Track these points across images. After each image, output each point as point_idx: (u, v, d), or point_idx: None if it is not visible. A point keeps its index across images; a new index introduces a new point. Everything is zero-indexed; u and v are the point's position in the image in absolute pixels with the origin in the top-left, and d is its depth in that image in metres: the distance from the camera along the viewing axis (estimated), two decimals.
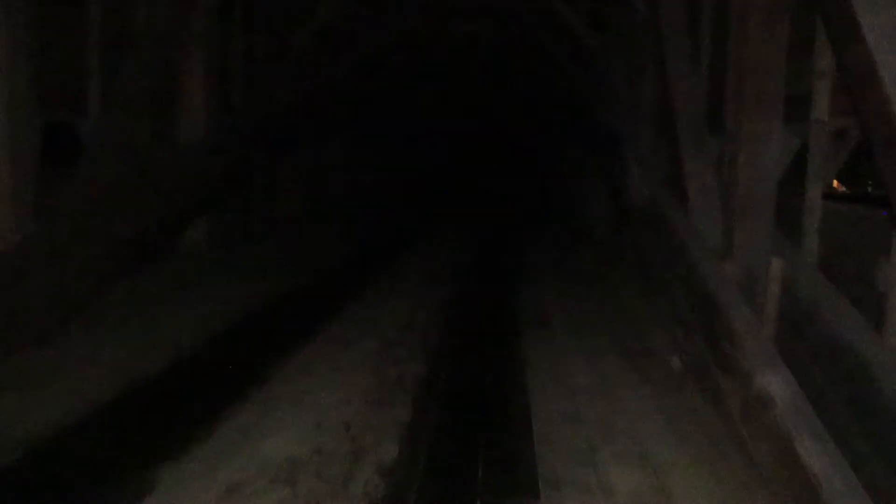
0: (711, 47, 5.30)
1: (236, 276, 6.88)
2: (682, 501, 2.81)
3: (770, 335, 3.86)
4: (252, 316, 5.62)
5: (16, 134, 4.97)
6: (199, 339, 4.88)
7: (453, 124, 16.95)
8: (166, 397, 3.93)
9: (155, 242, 6.43)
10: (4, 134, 4.89)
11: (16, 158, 4.98)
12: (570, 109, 9.54)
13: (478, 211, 15.44)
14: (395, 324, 5.42)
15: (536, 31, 8.75)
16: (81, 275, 5.23)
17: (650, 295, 5.34)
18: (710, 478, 3.01)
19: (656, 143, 5.94)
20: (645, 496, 2.84)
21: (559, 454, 3.20)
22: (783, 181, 4.31)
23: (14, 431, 3.31)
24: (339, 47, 9.71)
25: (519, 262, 8.46)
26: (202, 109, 7.20)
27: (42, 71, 5.40)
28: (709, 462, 3.14)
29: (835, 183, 5.23)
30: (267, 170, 8.95)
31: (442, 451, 3.30)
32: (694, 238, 4.49)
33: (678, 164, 5.09)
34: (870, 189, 5.44)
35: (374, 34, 9.64)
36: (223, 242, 7.86)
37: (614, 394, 3.97)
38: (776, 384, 3.08)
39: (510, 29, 9.02)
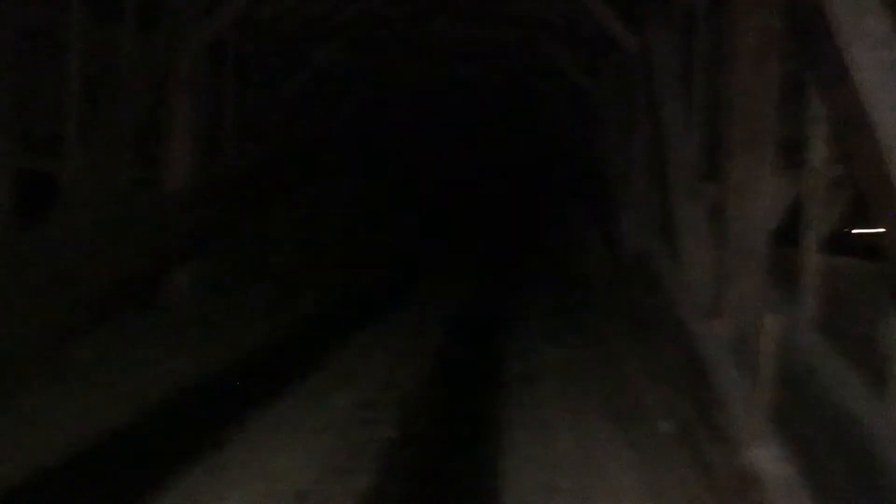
0: (706, 92, 5.12)
1: (215, 326, 6.64)
2: None
3: (764, 399, 3.56)
4: (223, 371, 5.35)
5: None
6: (160, 395, 4.62)
7: (448, 167, 16.87)
8: (111, 461, 3.66)
9: (132, 291, 6.23)
10: None
11: None
12: (566, 155, 9.38)
13: (472, 258, 15.20)
14: (374, 380, 5.16)
15: (531, 75, 8.64)
16: (47, 324, 5.03)
17: (642, 351, 5.06)
18: None
19: (649, 191, 5.72)
20: None
21: None
22: (780, 232, 4.07)
23: None
24: (334, 93, 9.65)
25: (512, 313, 8.19)
26: (188, 156, 7.06)
27: (19, 118, 5.30)
28: None
29: None
30: (257, 216, 8.78)
31: None
32: (683, 293, 4.24)
33: (670, 214, 4.87)
34: None
35: (369, 80, 9.58)
36: (210, 290, 7.67)
37: (597, 461, 3.67)
38: (766, 459, 2.81)
39: (504, 73, 8.92)
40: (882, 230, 2.64)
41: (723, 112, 4.26)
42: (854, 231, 4.65)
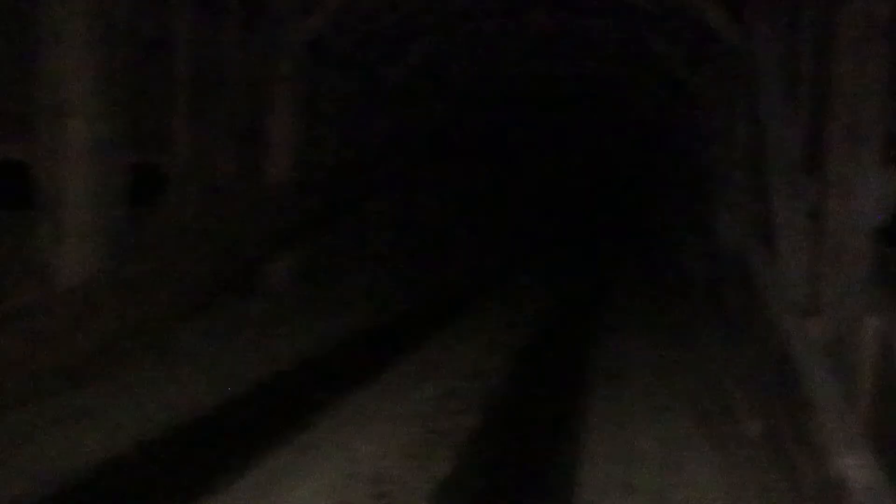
0: (810, 85, 4.87)
1: (311, 314, 6.89)
2: None
3: (858, 404, 3.40)
4: (316, 357, 5.55)
5: (98, 175, 5.15)
6: (255, 378, 4.85)
7: (546, 161, 16.70)
8: (207, 437, 3.88)
9: (234, 279, 6.54)
10: (88, 175, 5.07)
11: (98, 198, 5.16)
12: (665, 148, 9.13)
13: (568, 252, 15.04)
14: (460, 371, 5.22)
15: (632, 67, 8.46)
16: (153, 310, 5.34)
17: (733, 351, 4.89)
18: None
19: (747, 187, 5.51)
20: None
21: None
22: (884, 230, 3.85)
23: (60, 463, 3.35)
24: (431, 87, 9.75)
25: (604, 308, 8.07)
26: (289, 149, 7.33)
27: (132, 113, 5.64)
28: None
29: None
30: (355, 208, 9.01)
31: None
32: (778, 291, 4.07)
33: (768, 210, 4.68)
34: None
35: (467, 73, 9.62)
36: (309, 279, 7.94)
37: (679, 461, 3.59)
38: (854, 467, 2.67)
39: (603, 64, 8.77)
40: None
41: (824, 104, 4.06)
42: None
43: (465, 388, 4.82)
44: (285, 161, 7.31)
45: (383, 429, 3.98)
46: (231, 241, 6.36)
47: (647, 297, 8.64)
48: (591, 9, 7.98)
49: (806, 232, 4.33)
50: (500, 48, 9.06)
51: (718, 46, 6.40)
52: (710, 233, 5.99)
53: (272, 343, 5.75)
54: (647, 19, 7.63)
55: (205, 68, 6.35)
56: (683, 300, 7.52)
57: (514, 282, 10.60)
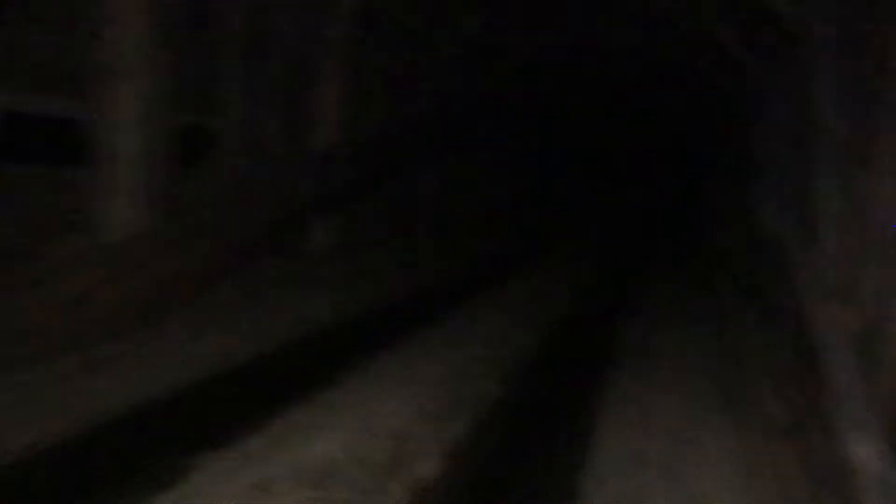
0: (866, 71, 4.72)
1: (352, 278, 6.99)
2: None
3: (881, 394, 3.33)
4: (351, 320, 5.65)
5: (148, 135, 5.31)
6: (289, 336, 4.96)
7: (600, 139, 16.49)
8: (235, 391, 4.01)
9: (278, 239, 6.69)
10: (138, 136, 5.23)
11: (146, 158, 5.33)
12: (720, 130, 8.94)
13: (615, 229, 14.91)
14: (486, 340, 5.26)
15: (689, 47, 8.28)
16: (193, 266, 5.50)
17: (765, 335, 4.81)
18: None
19: (794, 172, 5.38)
20: None
21: (606, 499, 2.91)
22: None
23: (94, 404, 3.52)
24: (485, 60, 9.70)
25: (641, 287, 8.01)
26: (335, 116, 7.42)
27: (184, 76, 5.78)
28: None
29: None
30: (402, 177, 9.07)
31: (483, 474, 3.11)
32: (814, 279, 3.99)
33: (812, 197, 4.57)
34: None
35: (520, 47, 9.54)
36: (352, 243, 8.05)
37: (697, 440, 3.58)
38: (867, 454, 2.63)
39: (662, 43, 8.59)
40: None
41: (877, 91, 3.94)
42: None
43: (489, 356, 4.85)
44: (331, 128, 7.41)
45: (406, 391, 4.05)
46: (274, 203, 6.49)
47: (685, 277, 8.53)
48: None
49: (849, 221, 4.22)
50: (557, 23, 8.93)
51: (776, 29, 6.22)
52: (752, 217, 5.88)
53: (307, 304, 5.87)
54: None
55: (255, 34, 6.46)
56: (720, 282, 7.41)
57: (556, 256, 10.54)
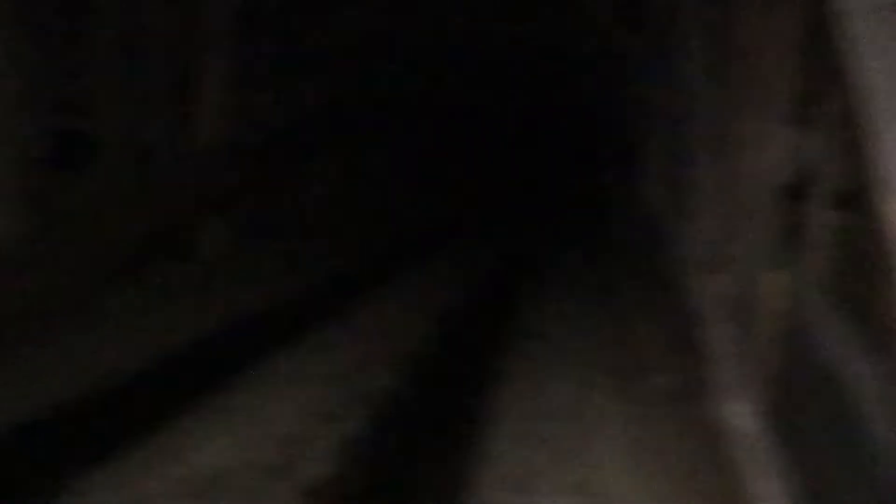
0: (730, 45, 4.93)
1: (246, 278, 6.81)
2: None
3: (753, 356, 3.50)
4: (244, 322, 5.50)
5: (19, 139, 5.02)
6: (178, 343, 4.79)
7: (486, 128, 16.70)
8: (122, 401, 3.84)
9: (166, 244, 6.45)
10: (7, 139, 4.93)
11: (19, 163, 5.04)
12: (604, 114, 9.20)
13: (506, 217, 15.20)
14: (384, 332, 5.24)
15: (564, 27, 8.45)
16: (78, 274, 5.25)
17: (650, 307, 5.00)
18: None
19: (669, 148, 5.59)
20: None
21: (497, 479, 2.94)
22: (791, 188, 3.94)
23: None
24: (373, 50, 9.62)
25: (533, 271, 8.17)
26: (221, 112, 7.20)
27: (55, 79, 5.48)
28: (662, 498, 2.83)
29: None
30: (293, 173, 8.92)
31: (376, 469, 3.09)
32: (689, 249, 4.15)
33: (684, 170, 4.76)
34: None
35: (402, 40, 9.51)
36: (245, 243, 7.87)
37: (586, 415, 3.68)
38: (741, 415, 2.77)
39: (538, 24, 8.73)
40: None
41: (737, 63, 4.12)
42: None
43: (386, 349, 4.83)
44: (218, 124, 7.18)
45: (300, 390, 3.99)
46: (161, 205, 6.26)
47: (576, 259, 8.77)
48: None
49: (719, 193, 4.41)
50: (431, 13, 8.94)
51: (648, 9, 6.44)
52: (636, 195, 6.08)
53: (196, 309, 5.68)
54: None
55: (131, 32, 6.18)
56: (611, 261, 7.65)
57: (450, 245, 10.61)
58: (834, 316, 3.33)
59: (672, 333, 4.05)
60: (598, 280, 7.08)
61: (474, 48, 10.14)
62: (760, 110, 3.84)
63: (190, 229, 6.90)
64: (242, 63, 7.57)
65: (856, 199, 2.24)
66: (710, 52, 4.89)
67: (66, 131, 5.73)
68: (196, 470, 3.00)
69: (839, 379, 2.99)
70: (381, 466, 3.13)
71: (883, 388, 2.80)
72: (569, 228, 12.49)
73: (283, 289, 6.60)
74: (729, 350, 3.25)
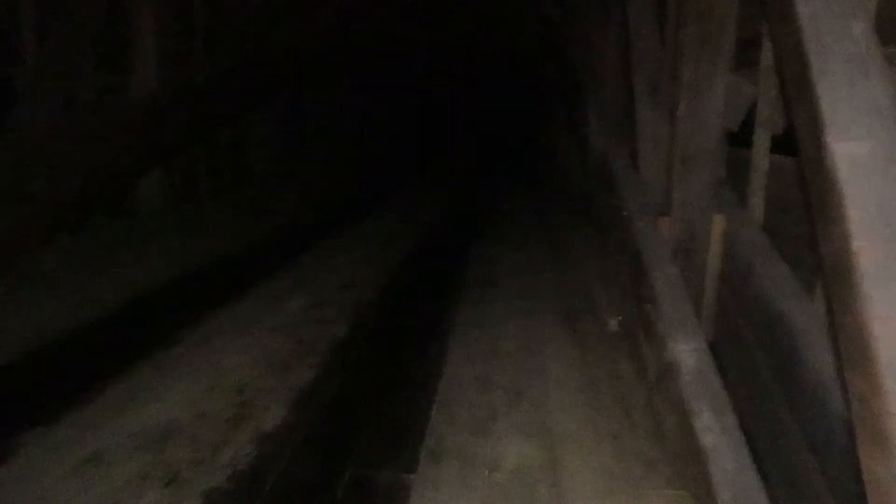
0: None
1: (184, 233, 6.67)
2: (569, 478, 2.59)
3: (698, 297, 3.61)
4: (187, 276, 5.39)
5: None
6: (119, 301, 4.68)
7: (433, 68, 16.50)
8: (69, 358, 3.76)
9: (100, 198, 6.23)
10: None
11: None
12: (551, 56, 9.17)
13: (456, 165, 15.18)
14: (334, 282, 5.21)
15: None
16: (6, 234, 5.04)
17: (599, 253, 5.08)
18: (609, 452, 2.78)
19: (617, 96, 5.61)
20: (530, 471, 2.63)
21: (454, 423, 2.99)
22: (736, 132, 4.01)
23: None
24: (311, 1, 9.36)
25: (484, 219, 8.20)
26: (155, 62, 6.94)
27: None
28: (614, 435, 2.92)
29: None
30: (233, 123, 8.69)
31: (330, 418, 3.10)
32: (636, 194, 4.21)
33: (631, 116, 4.79)
34: None
35: None
36: (184, 198, 7.68)
37: (538, 357, 3.74)
38: (685, 352, 2.85)
39: None
40: None
41: (679, 8, 4.13)
42: None
43: (337, 299, 4.82)
44: (152, 74, 6.92)
45: (252, 341, 3.96)
46: (93, 158, 6.02)
47: (529, 207, 8.81)
48: None
49: (663, 135, 4.47)
50: None
51: None
52: (583, 142, 6.11)
53: (140, 264, 5.55)
54: None
55: None
56: (562, 209, 7.73)
57: (399, 195, 10.55)
58: (772, 255, 3.46)
59: (619, 278, 4.13)
60: (549, 228, 7.15)
61: None
62: (703, 55, 3.87)
63: (127, 182, 6.68)
64: (180, 7, 7.29)
65: (795, 141, 2.28)
66: None
67: None
68: (147, 423, 2.97)
69: (776, 315, 3.11)
70: (335, 414, 3.14)
71: (815, 322, 2.94)
72: (517, 176, 12.54)
73: (228, 241, 6.49)
74: (673, 289, 3.33)
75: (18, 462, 2.69)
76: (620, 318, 4.05)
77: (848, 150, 1.81)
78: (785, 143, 3.91)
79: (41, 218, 5.32)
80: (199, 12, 7.88)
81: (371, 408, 3.17)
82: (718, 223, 3.85)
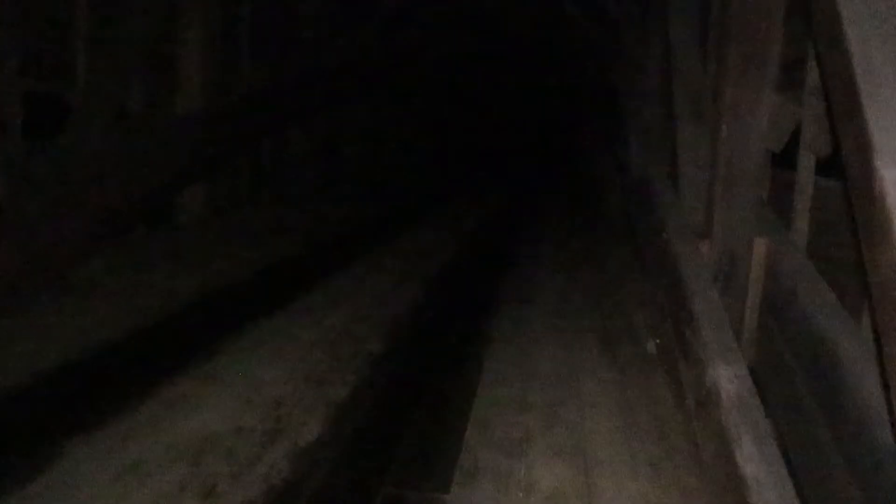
0: (719, 10, 4.90)
1: (225, 245, 6.75)
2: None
3: (747, 323, 3.55)
4: (226, 289, 5.46)
5: None
6: (165, 311, 4.76)
7: (476, 91, 16.55)
8: (111, 367, 3.82)
9: (144, 210, 6.36)
10: None
11: None
12: (590, 76, 9.15)
13: (493, 186, 15.14)
14: (371, 298, 5.23)
15: None
16: (53, 245, 5.16)
17: (637, 274, 5.03)
18: (646, 479, 2.74)
19: (659, 116, 5.57)
20: (565, 496, 2.60)
21: (489, 443, 2.97)
22: (780, 154, 3.96)
23: None
24: (359, 12, 9.48)
25: (522, 239, 8.18)
26: (201, 76, 7.08)
27: (26, 38, 5.35)
28: (651, 461, 2.88)
29: None
30: (275, 138, 8.81)
31: (366, 434, 3.10)
32: (676, 216, 4.16)
33: (672, 137, 4.75)
34: None
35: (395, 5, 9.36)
36: (227, 210, 7.80)
37: (575, 379, 3.71)
38: (725, 378, 2.79)
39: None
40: None
41: (723, 27, 4.10)
42: None
43: (374, 315, 4.83)
44: (198, 88, 7.06)
45: (289, 356, 3.98)
46: (139, 171, 6.15)
47: (567, 227, 8.77)
48: None
49: (703, 159, 4.42)
50: None
51: None
52: (622, 163, 6.08)
53: (182, 276, 5.63)
54: None
55: None
56: (601, 229, 7.68)
57: (436, 212, 10.56)
58: (816, 280, 3.38)
59: (658, 300, 4.08)
60: (587, 248, 7.10)
61: (468, 20, 10.02)
62: (746, 76, 3.83)
63: (172, 195, 6.81)
64: (225, 25, 7.44)
65: (841, 164, 2.24)
66: (698, 17, 4.87)
67: (38, 95, 5.60)
68: (185, 435, 3.00)
69: (821, 342, 3.04)
70: (371, 430, 3.15)
71: (862, 350, 2.86)
72: (556, 195, 12.48)
73: (268, 254, 6.56)
74: (713, 314, 3.27)
75: (60, 469, 2.74)
76: (658, 340, 3.99)
77: None
78: (831, 166, 3.85)
79: (91, 228, 5.44)
80: (245, 28, 8.03)
81: (406, 425, 3.17)
82: (760, 246, 3.78)
